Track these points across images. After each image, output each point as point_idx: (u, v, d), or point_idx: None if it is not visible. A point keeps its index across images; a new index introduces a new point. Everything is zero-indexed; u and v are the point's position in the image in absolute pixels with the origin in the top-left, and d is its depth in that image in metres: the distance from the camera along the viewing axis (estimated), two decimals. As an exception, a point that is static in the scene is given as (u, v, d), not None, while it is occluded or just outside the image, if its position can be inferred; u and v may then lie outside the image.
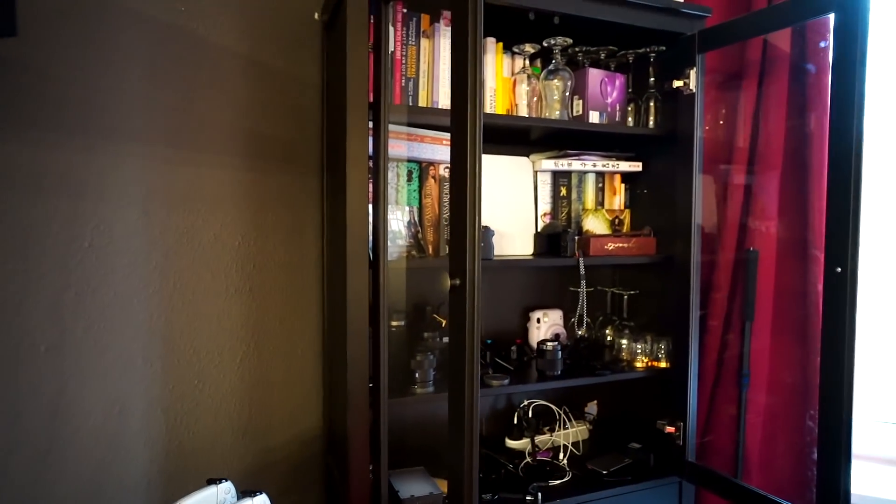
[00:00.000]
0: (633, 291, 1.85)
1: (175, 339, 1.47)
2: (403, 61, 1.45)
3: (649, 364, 1.70)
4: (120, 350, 1.41)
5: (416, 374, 1.41)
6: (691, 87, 1.54)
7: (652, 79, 1.69)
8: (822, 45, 1.66)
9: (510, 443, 1.76)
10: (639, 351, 1.71)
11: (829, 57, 1.64)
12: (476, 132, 0.86)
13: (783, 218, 1.78)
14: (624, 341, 1.76)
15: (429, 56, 1.48)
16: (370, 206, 1.28)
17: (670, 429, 1.65)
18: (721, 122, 1.84)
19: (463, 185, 0.87)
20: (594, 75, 1.60)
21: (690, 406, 1.62)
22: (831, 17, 1.47)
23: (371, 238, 1.29)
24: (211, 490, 1.10)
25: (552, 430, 1.78)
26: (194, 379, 1.49)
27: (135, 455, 1.44)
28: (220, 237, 1.50)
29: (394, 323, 1.57)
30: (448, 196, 1.57)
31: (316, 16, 1.59)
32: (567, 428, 1.80)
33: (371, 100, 1.29)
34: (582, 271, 1.55)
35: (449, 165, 1.58)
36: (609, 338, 1.85)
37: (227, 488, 1.12)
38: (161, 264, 1.45)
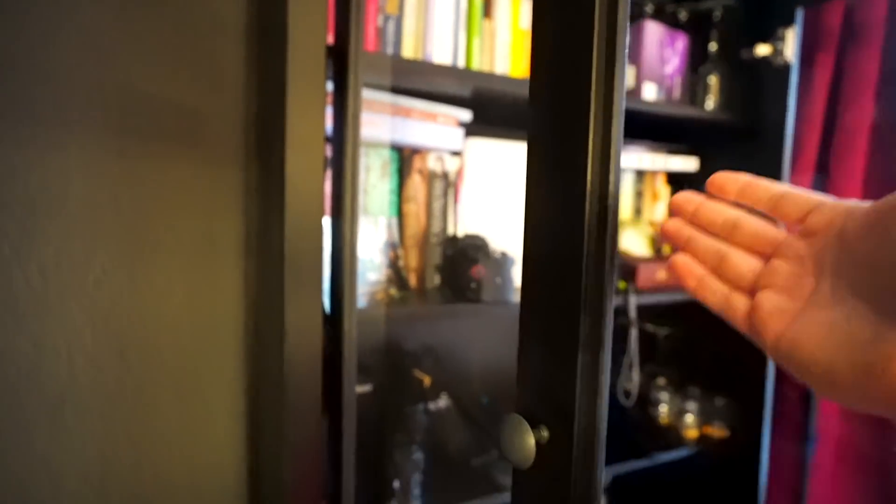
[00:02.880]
0: (667, 329, 1.41)
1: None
2: (380, -13, 0.92)
3: (703, 432, 1.27)
4: None
5: (395, 484, 0.90)
6: (786, 56, 1.10)
7: (713, 45, 1.24)
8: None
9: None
10: (689, 413, 1.27)
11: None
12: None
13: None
14: (664, 397, 1.31)
15: (419, -17, 0.95)
16: (328, 220, 0.76)
17: (731, 521, 1.23)
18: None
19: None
20: (652, 31, 1.12)
21: (761, 488, 1.21)
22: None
23: (330, 273, 0.76)
24: None
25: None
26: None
27: None
28: (62, 267, 0.86)
29: (357, 389, 1.05)
30: (437, 200, 1.06)
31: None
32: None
33: (332, 42, 0.76)
34: (632, 314, 1.08)
35: (443, 154, 1.07)
36: (628, 390, 1.40)
37: None
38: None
